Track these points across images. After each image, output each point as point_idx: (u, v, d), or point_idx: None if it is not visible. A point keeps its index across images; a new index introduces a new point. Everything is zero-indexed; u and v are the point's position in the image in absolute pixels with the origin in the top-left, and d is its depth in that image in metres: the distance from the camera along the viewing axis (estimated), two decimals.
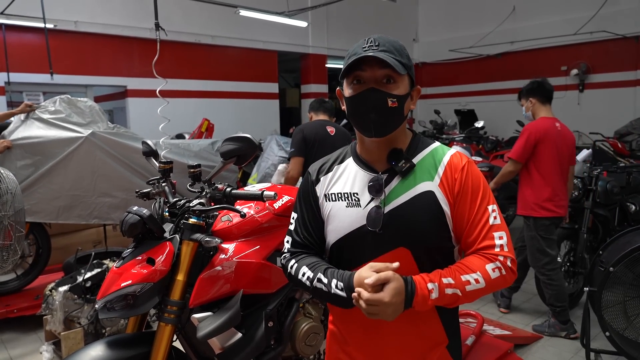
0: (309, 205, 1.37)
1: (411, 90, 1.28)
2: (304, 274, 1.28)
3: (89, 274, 3.18)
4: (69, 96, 4.09)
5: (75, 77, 7.47)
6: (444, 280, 1.16)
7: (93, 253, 3.36)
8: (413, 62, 1.31)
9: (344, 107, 1.30)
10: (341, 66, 1.27)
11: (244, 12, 7.07)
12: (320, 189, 1.36)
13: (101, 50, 7.64)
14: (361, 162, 1.33)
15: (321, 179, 1.37)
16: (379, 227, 1.23)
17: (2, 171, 2.61)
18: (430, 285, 1.15)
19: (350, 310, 1.26)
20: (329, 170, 1.37)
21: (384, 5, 11.19)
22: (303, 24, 8.44)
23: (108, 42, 7.65)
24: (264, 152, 4.69)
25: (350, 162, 1.35)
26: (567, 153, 3.43)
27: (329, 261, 1.35)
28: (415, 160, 1.28)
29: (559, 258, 3.75)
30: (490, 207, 1.25)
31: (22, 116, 3.81)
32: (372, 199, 1.26)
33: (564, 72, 9.57)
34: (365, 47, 1.21)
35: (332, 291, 1.21)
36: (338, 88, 1.33)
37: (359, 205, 1.27)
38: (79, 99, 4.14)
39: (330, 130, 3.64)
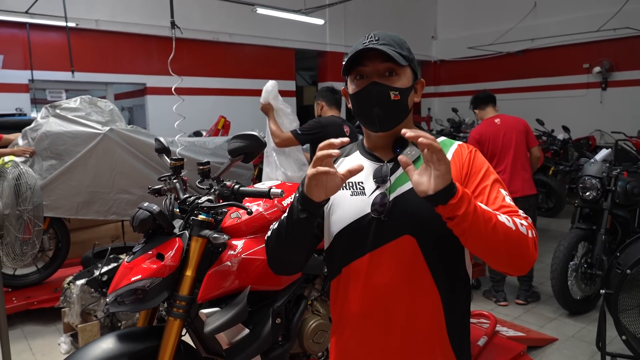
0: None
1: (414, 84, 1.29)
2: (271, 228, 1.30)
3: (105, 268, 3.24)
4: (90, 96, 4.20)
5: (96, 74, 7.61)
6: (476, 202, 1.08)
7: (110, 248, 3.43)
8: (414, 57, 1.30)
9: (349, 105, 1.31)
10: None
11: (261, 10, 7.10)
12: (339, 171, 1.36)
13: (121, 48, 7.77)
14: (367, 153, 1.33)
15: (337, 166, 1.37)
16: (384, 213, 1.22)
17: (22, 167, 2.68)
18: (472, 197, 1.07)
19: (355, 311, 1.27)
20: (334, 162, 1.36)
21: (402, 2, 11.10)
22: (320, 21, 8.43)
23: (128, 40, 7.77)
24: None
25: (356, 154, 1.36)
26: (513, 140, 3.92)
27: (332, 251, 1.33)
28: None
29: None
30: (502, 190, 1.23)
31: (43, 114, 3.91)
32: (377, 187, 1.26)
33: (586, 69, 9.36)
34: (365, 42, 1.22)
35: (294, 209, 1.19)
36: (343, 87, 1.33)
37: (363, 193, 1.27)
38: (99, 99, 4.24)
39: (346, 129, 3.60)
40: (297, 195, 1.20)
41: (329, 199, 1.18)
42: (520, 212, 1.21)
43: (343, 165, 1.35)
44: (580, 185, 3.79)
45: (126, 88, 8.79)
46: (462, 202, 1.04)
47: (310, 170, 1.10)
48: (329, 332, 2.05)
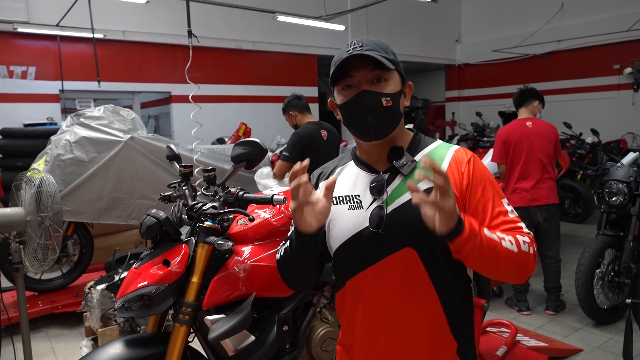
0: None
1: (403, 87, 1.26)
2: (279, 250, 1.32)
3: (124, 274, 3.30)
4: (113, 105, 4.32)
5: (123, 84, 7.82)
6: (485, 231, 1.10)
7: (129, 253, 3.49)
8: (398, 61, 1.27)
9: (339, 117, 1.28)
10: None
11: (282, 18, 7.16)
12: (319, 194, 1.35)
13: (147, 58, 7.97)
14: (361, 163, 1.30)
15: (320, 184, 1.35)
16: (382, 227, 1.20)
17: (43, 175, 2.77)
18: (475, 225, 1.08)
19: (360, 323, 1.27)
20: (330, 175, 1.35)
21: (425, 6, 11.00)
22: (341, 27, 8.44)
23: (154, 50, 7.97)
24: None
25: (350, 164, 1.33)
26: (537, 146, 3.83)
27: (335, 264, 1.33)
28: (417, 157, 1.25)
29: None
30: (504, 201, 1.22)
31: (68, 122, 4.03)
32: (374, 200, 1.23)
33: (616, 71, 9.07)
34: (349, 50, 1.19)
35: (292, 243, 1.23)
36: (330, 99, 1.30)
37: (361, 207, 1.25)
38: (122, 108, 4.36)
39: (323, 134, 3.69)
40: (292, 230, 1.21)
41: (323, 226, 1.19)
42: (523, 226, 1.20)
43: (340, 178, 1.33)
44: (607, 190, 3.66)
45: (152, 97, 9.00)
46: (468, 240, 1.06)
47: (291, 206, 1.11)
48: (337, 339, 2.03)
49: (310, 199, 1.11)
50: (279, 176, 3.72)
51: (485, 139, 7.42)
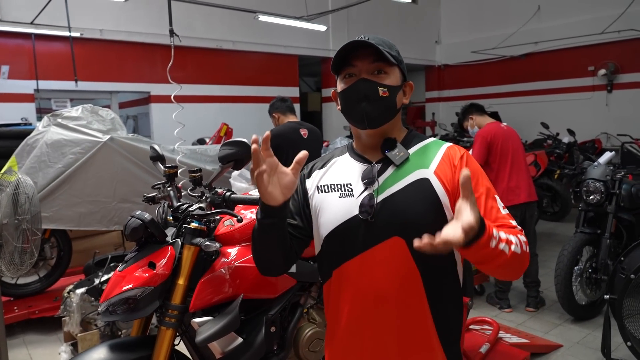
0: (294, 199, 1.38)
1: (403, 85, 1.30)
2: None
3: (105, 277, 3.24)
4: (91, 105, 4.22)
5: (101, 83, 7.68)
6: (499, 234, 1.08)
7: (109, 256, 3.43)
8: (401, 59, 1.31)
9: (339, 107, 1.31)
10: None
11: (262, 17, 7.13)
12: (311, 182, 1.36)
13: (125, 57, 7.84)
14: (356, 154, 1.34)
15: (314, 173, 1.38)
16: (371, 215, 1.21)
17: (20, 177, 2.69)
18: (494, 232, 1.06)
19: (347, 312, 1.27)
20: (324, 165, 1.38)
21: (406, 7, 11.09)
22: (322, 27, 8.44)
23: (132, 49, 7.84)
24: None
25: (345, 156, 1.37)
26: (519, 146, 3.91)
27: (322, 254, 1.34)
28: (410, 151, 1.28)
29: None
30: (496, 197, 1.24)
31: (44, 123, 3.92)
32: (365, 189, 1.25)
33: (591, 72, 9.30)
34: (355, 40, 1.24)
35: (258, 217, 1.22)
36: (333, 90, 1.34)
37: (352, 195, 1.27)
38: (100, 107, 4.26)
39: (304, 132, 3.69)
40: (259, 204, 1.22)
41: (289, 200, 1.19)
42: (515, 224, 1.21)
43: (333, 167, 1.36)
44: (584, 188, 3.74)
45: (130, 97, 8.85)
46: (487, 242, 1.04)
47: (255, 176, 1.13)
48: (324, 340, 2.03)
49: (278, 170, 1.14)
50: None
51: (465, 139, 7.52)
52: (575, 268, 3.60)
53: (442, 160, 1.24)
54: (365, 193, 1.25)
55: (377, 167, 1.26)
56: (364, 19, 10.31)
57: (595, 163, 3.91)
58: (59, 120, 3.92)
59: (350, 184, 1.28)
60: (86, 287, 3.22)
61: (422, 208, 1.20)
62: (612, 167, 3.84)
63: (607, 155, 4.04)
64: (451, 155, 1.26)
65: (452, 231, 0.98)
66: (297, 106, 9.84)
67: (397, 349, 1.26)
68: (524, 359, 2.92)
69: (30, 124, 6.64)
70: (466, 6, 11.46)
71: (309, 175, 1.38)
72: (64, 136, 3.78)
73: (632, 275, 2.65)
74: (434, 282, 1.24)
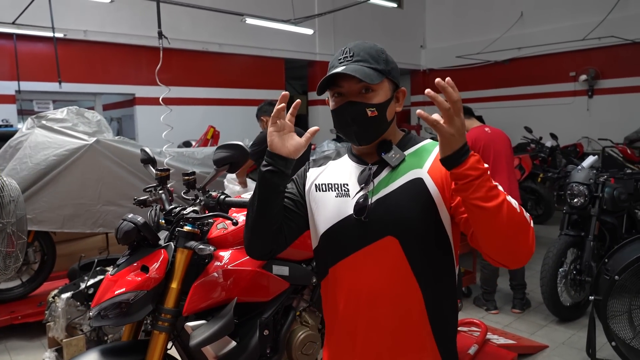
0: (293, 187, 1.42)
1: (395, 93, 1.30)
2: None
3: (91, 281, 3.19)
4: (77, 107, 4.16)
5: (85, 85, 7.57)
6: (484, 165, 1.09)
7: (96, 260, 3.37)
8: (395, 65, 1.31)
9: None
10: None
11: (250, 20, 7.12)
12: (310, 179, 1.39)
13: (110, 58, 7.74)
14: (354, 156, 1.36)
15: (312, 169, 1.42)
16: (364, 214, 1.24)
17: (4, 179, 2.64)
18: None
19: (342, 311, 1.29)
20: (322, 164, 1.41)
21: (391, 12, 11.19)
22: (309, 31, 8.46)
23: (117, 51, 7.75)
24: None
25: (344, 157, 1.39)
26: (503, 150, 3.92)
27: (319, 251, 1.37)
28: (405, 152, 1.30)
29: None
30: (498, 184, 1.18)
31: (28, 125, 3.86)
32: (361, 189, 1.28)
33: (572, 77, 9.48)
34: (340, 59, 1.25)
35: (263, 170, 1.26)
36: (326, 98, 1.34)
37: (347, 195, 1.30)
38: (86, 109, 4.20)
39: None
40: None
41: (292, 161, 1.26)
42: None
43: (332, 167, 1.38)
44: (568, 192, 3.81)
45: (115, 98, 8.74)
46: (473, 168, 1.06)
47: (270, 128, 1.24)
48: (317, 343, 2.03)
49: (289, 133, 1.25)
50: (240, 174, 3.69)
51: None
52: (560, 270, 3.67)
53: (436, 159, 1.25)
54: (361, 193, 1.27)
55: (373, 168, 1.29)
56: (349, 23, 10.37)
57: (579, 167, 3.99)
58: (44, 122, 3.86)
59: (347, 184, 1.31)
60: (72, 292, 3.16)
61: (415, 208, 1.22)
62: (595, 171, 3.92)
63: (591, 159, 4.12)
64: None
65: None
66: None
67: (390, 347, 1.27)
68: (512, 359, 2.95)
69: (12, 126, 6.52)
70: (451, 11, 11.60)
71: (308, 170, 1.43)
72: (48, 138, 3.72)
73: (617, 277, 2.71)
74: (430, 281, 1.26)
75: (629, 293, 2.74)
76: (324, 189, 1.34)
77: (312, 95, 10.75)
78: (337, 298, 1.32)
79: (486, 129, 3.99)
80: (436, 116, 1.07)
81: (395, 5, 10.96)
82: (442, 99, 1.05)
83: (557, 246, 3.68)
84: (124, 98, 8.43)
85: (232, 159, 1.77)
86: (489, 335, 3.23)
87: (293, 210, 1.37)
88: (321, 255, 1.37)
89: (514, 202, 1.10)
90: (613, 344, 2.70)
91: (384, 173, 1.28)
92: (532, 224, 1.14)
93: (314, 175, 1.39)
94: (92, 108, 7.52)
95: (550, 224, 6.81)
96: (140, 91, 7.97)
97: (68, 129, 3.84)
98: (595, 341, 2.83)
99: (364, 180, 1.27)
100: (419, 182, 1.24)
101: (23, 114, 7.39)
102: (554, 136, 7.80)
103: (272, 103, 3.97)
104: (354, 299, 1.28)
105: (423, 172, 1.25)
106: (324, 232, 1.32)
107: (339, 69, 1.21)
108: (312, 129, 1.25)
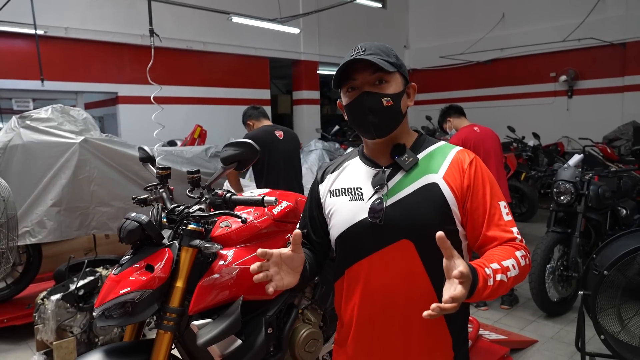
0: (310, 203, 1.45)
1: (406, 88, 1.31)
2: None
3: (81, 282, 3.14)
4: (62, 105, 4.05)
5: (66, 83, 7.41)
6: (492, 266, 1.11)
7: (86, 261, 3.32)
8: (404, 63, 1.33)
9: (346, 118, 1.33)
10: (333, 72, 1.31)
11: (236, 19, 7.08)
12: (324, 187, 1.40)
13: (92, 56, 7.60)
14: (366, 159, 1.36)
15: (326, 177, 1.41)
16: (380, 218, 1.24)
17: None
18: (487, 270, 1.09)
19: (356, 312, 1.30)
20: (336, 169, 1.41)
21: (375, 12, 11.26)
22: (295, 30, 8.46)
23: (99, 49, 7.61)
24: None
25: (356, 160, 1.39)
26: (492, 148, 3.98)
27: (336, 253, 1.38)
28: (419, 156, 1.30)
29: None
30: (501, 204, 1.26)
31: (12, 125, 3.76)
32: (375, 193, 1.28)
33: (552, 78, 9.69)
34: (352, 54, 1.25)
35: None
36: (339, 100, 1.35)
37: (361, 199, 1.30)
38: (72, 107, 4.11)
39: (279, 134, 3.70)
40: None
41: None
42: (515, 232, 1.24)
43: (345, 171, 1.38)
44: (555, 189, 3.89)
45: (97, 97, 8.58)
46: (483, 290, 1.07)
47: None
48: (320, 340, 2.04)
49: (284, 258, 1.19)
50: (230, 175, 3.70)
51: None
52: (548, 266, 3.74)
53: (451, 165, 1.27)
54: (375, 197, 1.27)
55: (387, 171, 1.29)
56: (334, 23, 10.39)
57: (565, 165, 4.08)
58: (28, 122, 3.75)
59: (361, 188, 1.31)
60: (61, 293, 3.11)
61: (431, 212, 1.23)
62: (580, 169, 4.01)
63: (576, 158, 4.21)
64: (460, 159, 1.28)
65: (451, 290, 1.01)
66: (267, 108, 9.83)
67: (405, 349, 1.28)
68: (504, 354, 3.01)
69: None
70: (433, 12, 11.73)
71: (321, 180, 1.42)
72: (34, 140, 3.62)
73: (605, 272, 2.77)
74: (442, 280, 1.26)
75: (617, 288, 2.82)
76: (338, 194, 1.35)
77: (297, 95, 10.74)
78: (352, 299, 1.33)
79: (475, 128, 4.05)
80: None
81: (379, 5, 11.03)
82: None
83: (544, 243, 3.76)
84: (106, 97, 8.28)
85: (241, 157, 1.76)
86: (481, 331, 3.28)
87: (321, 243, 1.43)
88: (337, 257, 1.38)
89: (514, 268, 1.15)
90: (602, 337, 2.76)
91: (398, 176, 1.28)
92: (528, 260, 1.20)
93: (329, 183, 1.39)
94: (73, 106, 7.36)
95: (534, 222, 6.95)
96: (124, 90, 7.85)
97: (54, 129, 3.74)
98: (585, 334, 2.90)
99: (378, 184, 1.27)
100: (434, 187, 1.24)
101: (2, 112, 7.20)
102: (536, 136, 7.95)
103: (255, 107, 3.96)
104: (368, 301, 1.29)
105: (438, 178, 1.25)
106: (338, 235, 1.33)
107: (354, 57, 1.23)
108: (295, 236, 1.20)
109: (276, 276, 1.17)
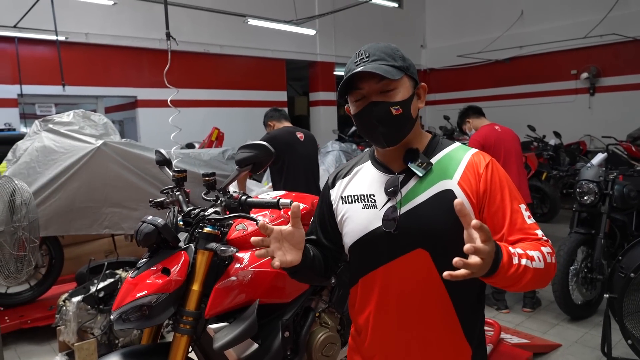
0: (321, 209, 1.42)
1: (415, 90, 1.25)
2: None
3: (102, 284, 3.18)
4: (83, 110, 4.13)
5: (86, 88, 7.55)
6: (517, 251, 1.06)
7: (106, 263, 3.36)
8: (412, 62, 1.28)
9: (355, 126, 1.30)
10: None
11: (252, 22, 7.11)
12: (335, 193, 1.36)
13: (111, 61, 7.73)
14: (378, 164, 1.31)
15: (337, 182, 1.38)
16: (394, 227, 1.20)
17: (16, 183, 2.62)
18: (511, 249, 1.05)
19: (372, 322, 1.28)
20: (347, 174, 1.37)
21: (391, 12, 11.19)
22: (311, 32, 8.46)
23: (118, 53, 7.74)
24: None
25: (367, 164, 1.34)
26: (513, 148, 3.93)
27: (350, 261, 1.36)
28: (433, 160, 1.24)
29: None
30: (522, 207, 1.21)
31: (35, 128, 3.84)
32: (388, 200, 1.24)
33: (574, 75, 9.49)
34: (356, 61, 1.21)
35: None
36: (347, 106, 1.30)
37: (375, 206, 1.25)
38: (92, 112, 4.18)
39: (300, 135, 3.72)
40: None
41: (306, 249, 1.26)
42: (540, 234, 1.19)
43: (357, 177, 1.34)
44: (578, 189, 3.79)
45: (117, 101, 8.73)
46: (508, 268, 1.02)
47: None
48: (337, 344, 2.02)
49: (284, 235, 1.16)
50: (241, 186, 3.77)
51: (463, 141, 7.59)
52: (571, 268, 3.65)
53: (466, 170, 1.21)
54: (389, 205, 1.23)
55: (400, 177, 1.24)
56: (350, 23, 10.37)
57: (589, 164, 3.98)
58: (50, 125, 3.83)
59: (373, 195, 1.27)
60: (82, 295, 3.15)
61: (446, 220, 1.17)
62: (604, 169, 3.91)
63: (600, 157, 4.11)
64: (475, 163, 1.22)
65: (475, 246, 0.96)
66: (284, 110, 9.84)
67: (422, 357, 1.25)
68: (527, 359, 2.94)
69: (14, 129, 6.50)
70: (451, 11, 11.61)
71: (332, 185, 1.38)
72: (55, 142, 3.69)
73: (632, 274, 2.69)
74: (460, 292, 1.23)
75: None
76: (350, 201, 1.31)
77: (314, 96, 10.74)
78: (367, 308, 1.30)
79: (496, 127, 3.99)
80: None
81: (396, 5, 10.96)
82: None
83: (567, 244, 3.67)
84: (126, 101, 8.41)
85: (256, 159, 1.75)
86: (503, 335, 3.22)
87: (330, 248, 1.40)
88: (351, 265, 1.35)
89: (539, 260, 1.09)
90: (629, 341, 2.68)
91: (412, 183, 1.23)
92: (554, 259, 1.15)
93: (340, 189, 1.35)
94: (94, 111, 7.50)
95: (556, 222, 6.80)
96: (143, 93, 7.96)
97: (75, 132, 3.81)
98: (611, 339, 2.82)
99: (392, 191, 1.23)
100: (449, 193, 1.19)
101: (26, 117, 7.37)
102: (557, 134, 7.79)
103: (277, 109, 4.00)
104: (383, 311, 1.27)
105: (453, 184, 1.20)
106: (352, 244, 1.30)
107: (357, 70, 1.18)
108: (294, 208, 1.18)
109: (278, 252, 1.15)
